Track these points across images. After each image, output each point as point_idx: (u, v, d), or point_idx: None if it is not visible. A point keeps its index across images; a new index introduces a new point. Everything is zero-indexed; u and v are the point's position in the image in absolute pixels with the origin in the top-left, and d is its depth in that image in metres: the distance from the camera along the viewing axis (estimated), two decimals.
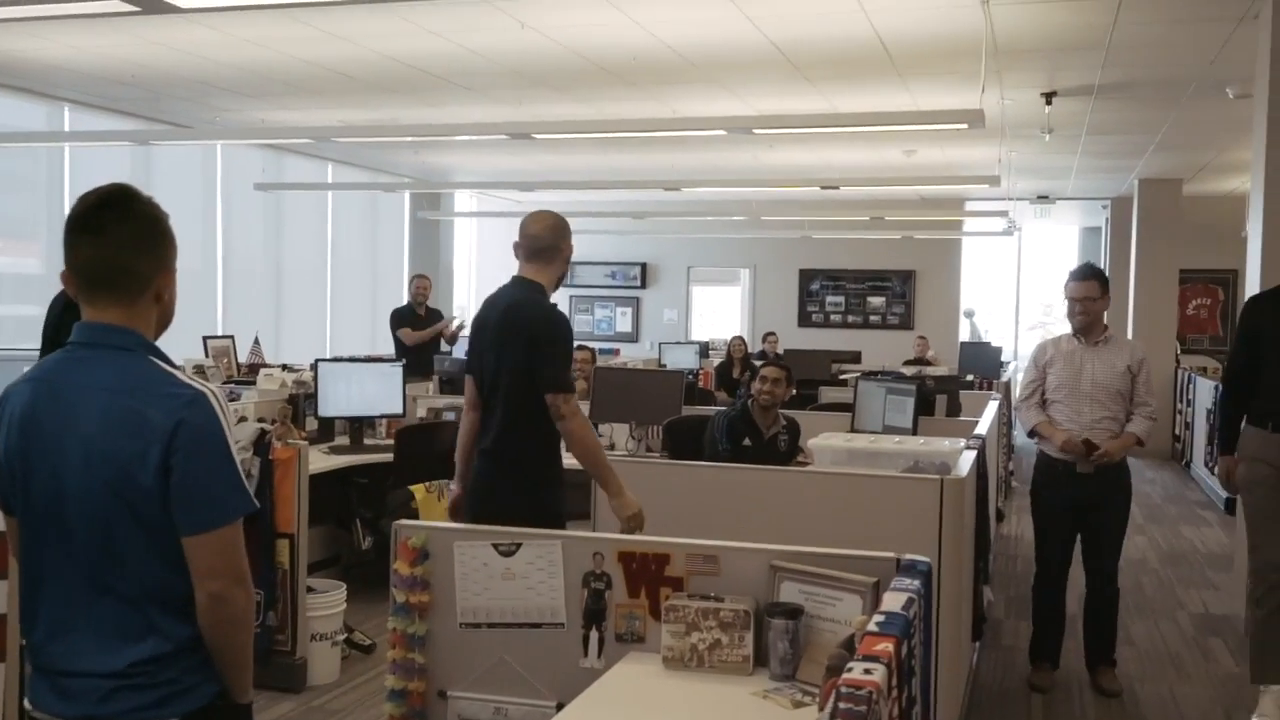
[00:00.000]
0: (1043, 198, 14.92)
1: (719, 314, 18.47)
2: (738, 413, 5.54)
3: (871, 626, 2.15)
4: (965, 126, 6.15)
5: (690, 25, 6.73)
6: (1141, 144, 10.85)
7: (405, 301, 10.00)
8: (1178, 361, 13.62)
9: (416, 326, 9.80)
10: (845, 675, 1.87)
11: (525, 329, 3.76)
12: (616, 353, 15.12)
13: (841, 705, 1.72)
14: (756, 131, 6.32)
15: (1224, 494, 9.82)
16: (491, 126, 7.35)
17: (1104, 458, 4.89)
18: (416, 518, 6.06)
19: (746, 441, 5.50)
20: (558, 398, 3.74)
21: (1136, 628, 6.15)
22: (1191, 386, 12.07)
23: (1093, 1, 6.15)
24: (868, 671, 1.88)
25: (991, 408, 7.42)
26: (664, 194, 14.46)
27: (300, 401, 6.73)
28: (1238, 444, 4.84)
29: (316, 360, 6.89)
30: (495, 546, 2.97)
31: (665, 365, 11.98)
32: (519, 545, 2.96)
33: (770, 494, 4.29)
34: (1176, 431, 12.92)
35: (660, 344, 13.22)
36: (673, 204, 15.15)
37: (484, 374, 3.89)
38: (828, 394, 9.06)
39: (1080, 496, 5.03)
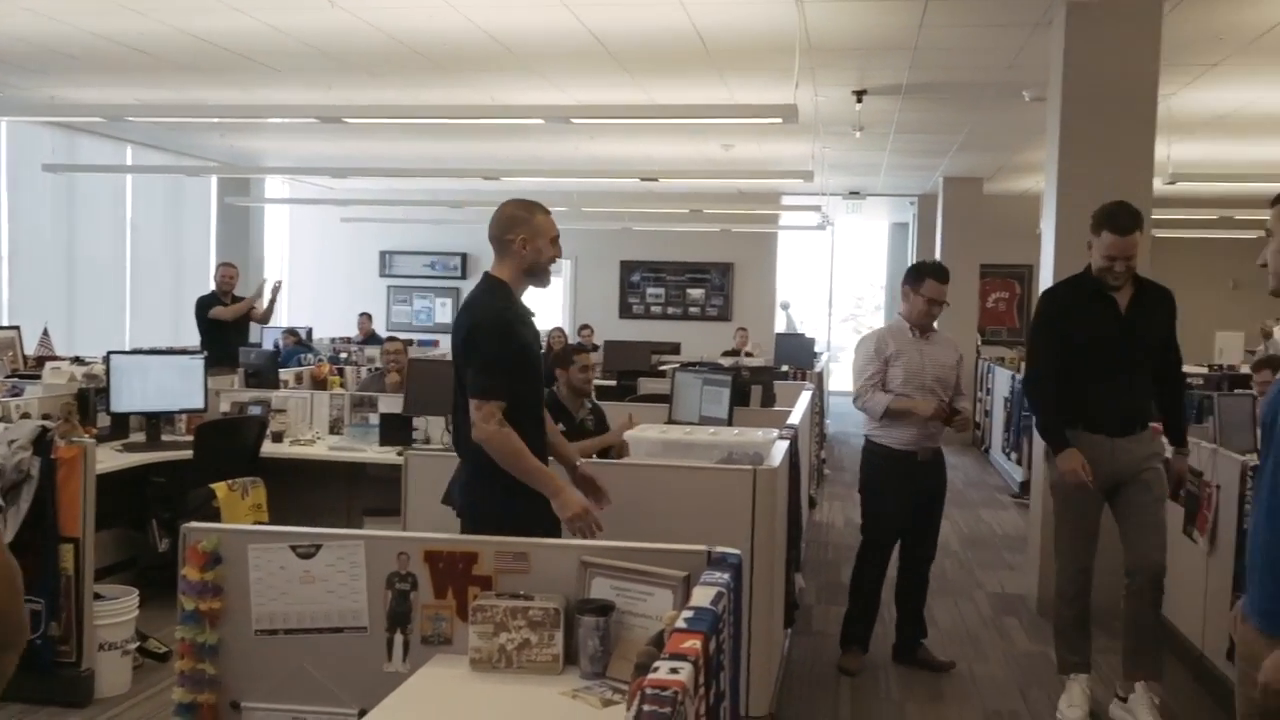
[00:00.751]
0: (854, 194, 15.36)
1: (540, 305, 18.38)
2: (550, 400, 5.47)
3: (680, 623, 2.11)
4: (779, 121, 6.22)
5: (509, 11, 6.61)
6: (946, 143, 11.25)
7: (210, 290, 9.55)
8: (978, 352, 14.21)
9: (221, 317, 9.37)
10: (651, 675, 1.82)
11: (464, 330, 3.60)
12: (436, 344, 14.86)
13: (646, 707, 1.67)
14: (575, 121, 6.26)
15: (1019, 479, 10.30)
16: (300, 109, 7.07)
17: (964, 422, 5.23)
18: (218, 518, 5.79)
19: (561, 427, 5.43)
20: (475, 404, 3.49)
21: (938, 608, 6.35)
22: (991, 376, 12.60)
23: (901, 4, 6.31)
24: (674, 671, 1.83)
25: (804, 397, 7.56)
26: (484, 183, 14.27)
27: (91, 396, 6.34)
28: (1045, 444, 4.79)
29: (109, 353, 6.49)
30: (293, 549, 2.82)
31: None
32: (319, 547, 2.82)
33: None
34: (977, 419, 13.47)
35: None
36: (492, 193, 14.90)
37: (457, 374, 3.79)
38: (647, 385, 9.08)
39: (918, 488, 5.22)
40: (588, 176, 9.97)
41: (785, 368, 11.34)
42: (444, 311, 17.13)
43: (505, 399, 3.47)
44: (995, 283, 16.55)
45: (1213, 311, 15.96)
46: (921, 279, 5.19)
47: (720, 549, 2.71)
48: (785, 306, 18.61)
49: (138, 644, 4.88)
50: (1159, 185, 7.62)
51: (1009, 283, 16.44)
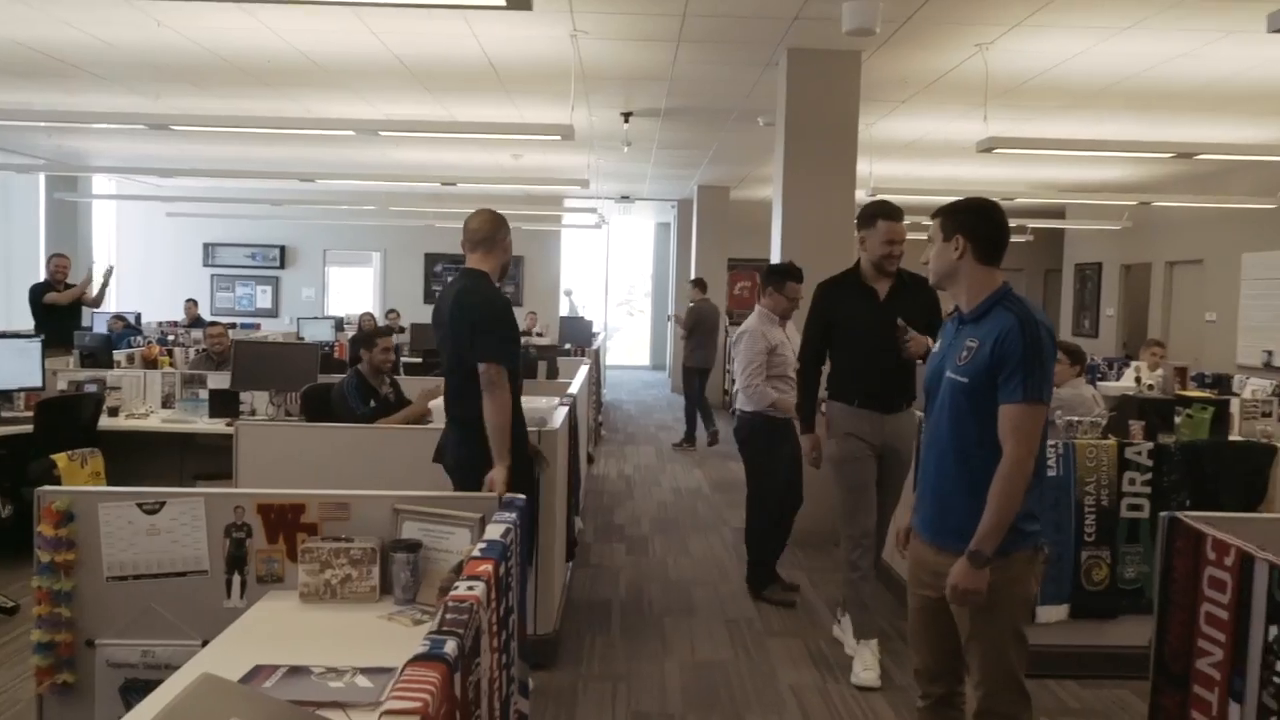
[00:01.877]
0: (625, 198, 15.69)
1: (353, 292, 17.97)
2: (357, 380, 5.49)
3: (475, 552, 2.27)
4: (559, 138, 6.37)
5: (321, 35, 6.51)
6: (698, 157, 11.68)
7: (43, 279, 8.96)
8: (727, 332, 14.81)
9: (57, 302, 8.84)
10: (452, 592, 1.98)
11: (470, 313, 3.70)
12: (257, 327, 14.36)
13: (448, 615, 1.83)
14: (382, 134, 6.23)
15: None
16: (129, 116, 6.73)
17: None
18: (59, 484, 5.54)
19: (372, 402, 5.48)
20: (489, 368, 3.64)
21: (693, 542, 6.71)
22: (738, 348, 13.17)
23: (659, 44, 6.56)
24: (470, 588, 2.00)
25: (583, 371, 7.81)
26: (300, 183, 13.86)
27: None
28: (830, 422, 4.57)
29: None
30: (140, 506, 2.83)
31: (303, 338, 11.54)
32: (163, 504, 2.83)
33: (396, 449, 4.32)
34: (726, 387, 14.08)
35: (299, 319, 12.69)
36: (309, 192, 14.52)
37: (444, 353, 3.87)
38: None
39: (794, 449, 5.24)
40: (395, 180, 9.84)
41: (568, 346, 11.57)
42: (264, 298, 16.54)
43: (510, 365, 3.69)
44: (740, 273, 17.24)
45: None
46: (784, 280, 5.35)
47: (509, 495, 2.89)
48: (568, 293, 18.82)
49: None
50: (862, 196, 8.20)
51: (751, 273, 17.16)
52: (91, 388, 6.46)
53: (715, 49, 6.73)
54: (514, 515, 2.63)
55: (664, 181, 14.26)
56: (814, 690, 4.24)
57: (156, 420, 6.28)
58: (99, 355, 7.31)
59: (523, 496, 2.86)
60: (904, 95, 7.90)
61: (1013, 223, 12.16)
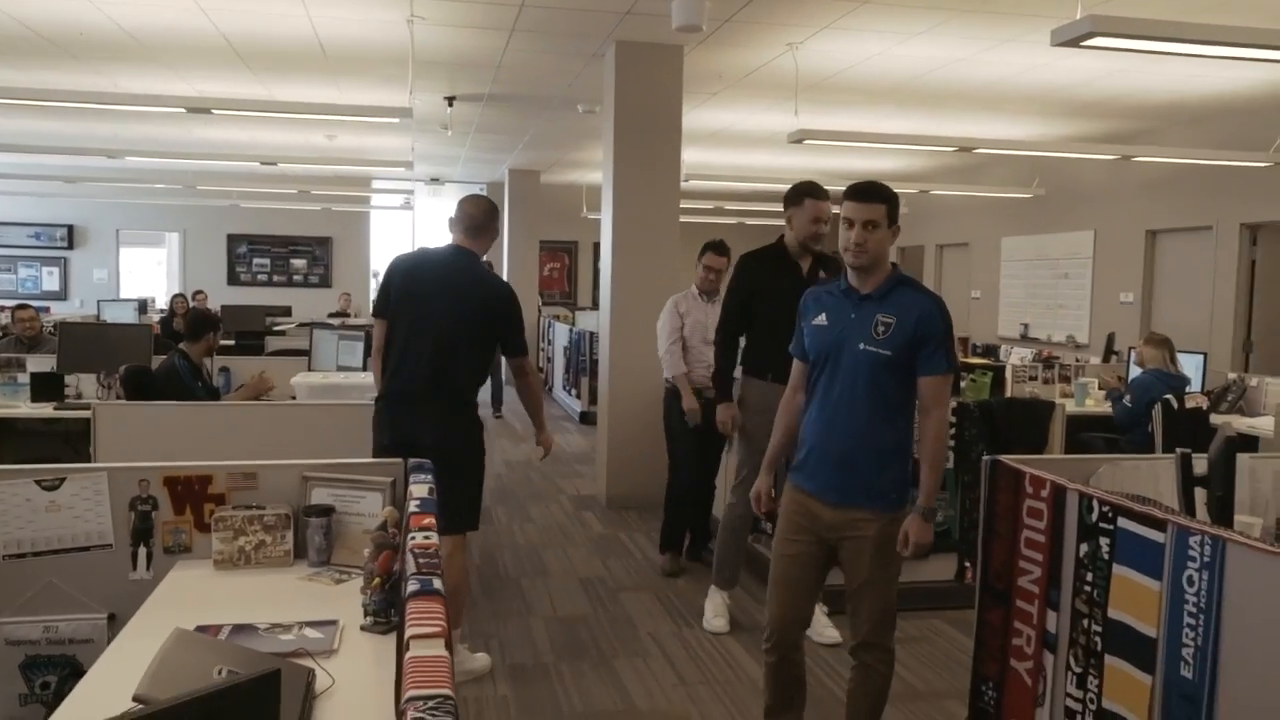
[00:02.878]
0: (435, 180, 15.52)
1: (147, 274, 16.94)
2: (186, 363, 5.32)
3: (413, 508, 2.38)
4: (397, 120, 6.35)
5: (142, 6, 6.20)
6: (514, 142, 11.74)
7: None
8: (539, 311, 14.98)
9: None
10: (412, 542, 2.09)
11: (508, 305, 3.82)
12: (47, 310, 13.37)
13: (420, 560, 1.94)
14: (215, 112, 6.00)
15: (579, 409, 11.14)
16: None
17: None
18: None
19: (199, 383, 5.34)
20: (525, 360, 3.90)
21: (533, 510, 6.88)
22: (551, 330, 13.38)
23: (492, 31, 6.63)
24: (427, 538, 2.12)
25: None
26: (96, 160, 12.95)
27: None
28: (743, 397, 4.42)
29: None
30: (38, 483, 2.74)
31: (105, 321, 10.87)
32: (63, 480, 2.76)
33: (265, 423, 4.27)
34: (541, 364, 14.25)
35: (100, 301, 11.90)
36: (106, 169, 13.58)
37: (435, 328, 3.72)
38: (273, 343, 8.86)
39: (708, 421, 4.97)
40: (207, 159, 9.42)
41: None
42: (50, 280, 15.34)
43: None
44: (550, 255, 17.41)
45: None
46: (704, 251, 5.49)
47: (414, 460, 2.98)
48: (377, 274, 18.46)
49: None
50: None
51: (561, 255, 17.36)
52: None
53: (546, 39, 6.86)
54: (430, 477, 2.74)
55: (476, 164, 14.21)
56: (672, 637, 4.52)
57: None
58: None
59: (428, 461, 2.96)
60: (717, 88, 8.28)
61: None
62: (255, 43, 6.97)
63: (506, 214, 14.78)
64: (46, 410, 5.78)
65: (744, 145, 11.23)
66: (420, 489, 2.58)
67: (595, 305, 14.37)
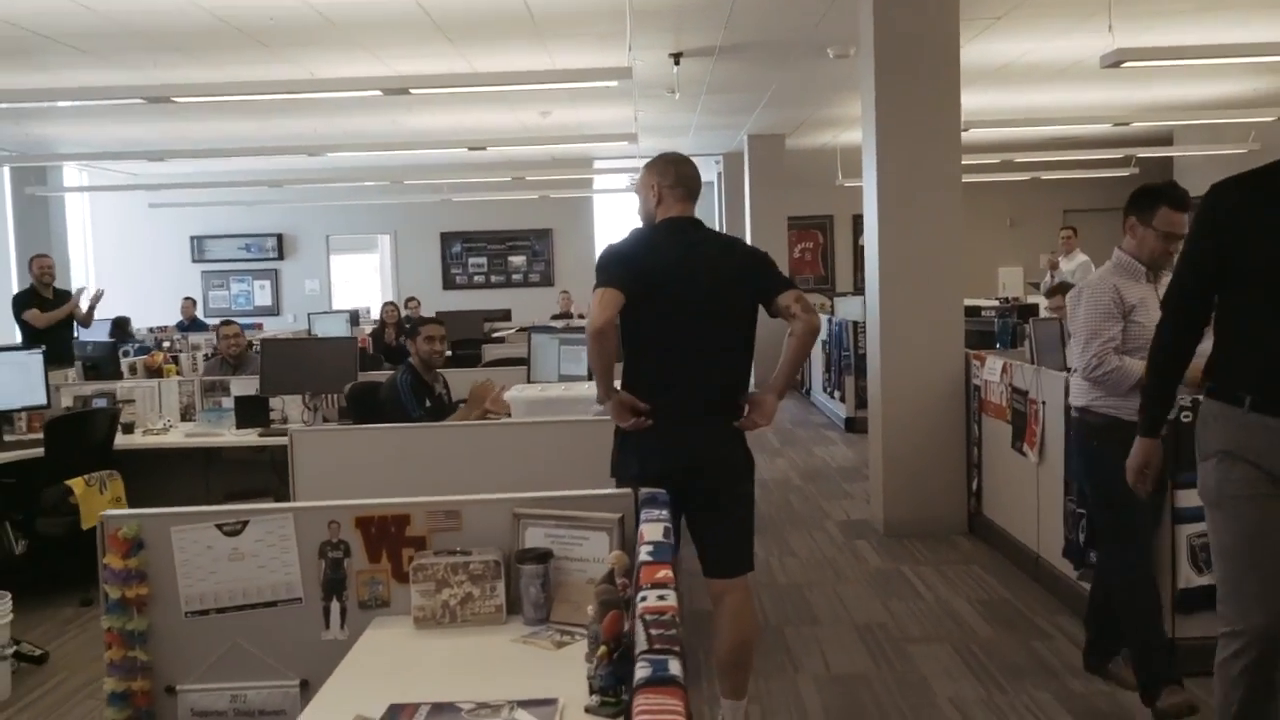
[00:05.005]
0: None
1: (361, 281, 17.95)
2: (411, 377, 5.39)
3: (645, 557, 2.16)
4: (615, 84, 6.24)
5: None
6: (753, 101, 11.49)
7: (28, 285, 8.94)
8: None
9: (46, 309, 8.82)
10: (643, 604, 1.86)
11: (748, 263, 3.61)
12: (259, 327, 14.36)
13: (653, 631, 1.71)
14: (413, 92, 6.12)
15: (843, 415, 10.73)
16: (113, 90, 6.67)
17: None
18: (75, 514, 5.50)
19: (428, 403, 5.39)
20: (798, 292, 3.59)
21: (795, 540, 6.59)
22: None
23: None
24: (661, 598, 1.88)
25: None
26: (300, 162, 13.81)
27: None
28: (1199, 432, 3.08)
29: None
30: (219, 527, 2.73)
31: (316, 335, 11.51)
32: (245, 523, 2.74)
33: (481, 446, 4.22)
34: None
35: (310, 315, 12.66)
36: (311, 171, 14.48)
37: (713, 326, 3.51)
38: (490, 351, 9.04)
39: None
40: (411, 149, 9.76)
41: None
42: (263, 294, 16.53)
43: None
44: (801, 234, 17.04)
45: (994, 249, 16.88)
46: (1155, 206, 3.83)
47: (646, 490, 2.77)
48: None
49: (13, 648, 4.60)
50: None
51: (813, 233, 16.96)
52: (101, 402, 6.42)
53: None
54: (666, 512, 2.52)
55: (708, 133, 14.08)
56: (980, 705, 4.11)
57: (179, 435, 6.22)
58: (103, 366, 7.27)
59: (663, 491, 2.75)
60: (1001, 10, 7.69)
61: (1117, 154, 11.99)
62: (455, 11, 7.08)
63: (747, 188, 14.57)
64: (251, 437, 6.07)
65: (1037, 80, 10.47)
66: (654, 528, 2.36)
67: (857, 290, 13.88)
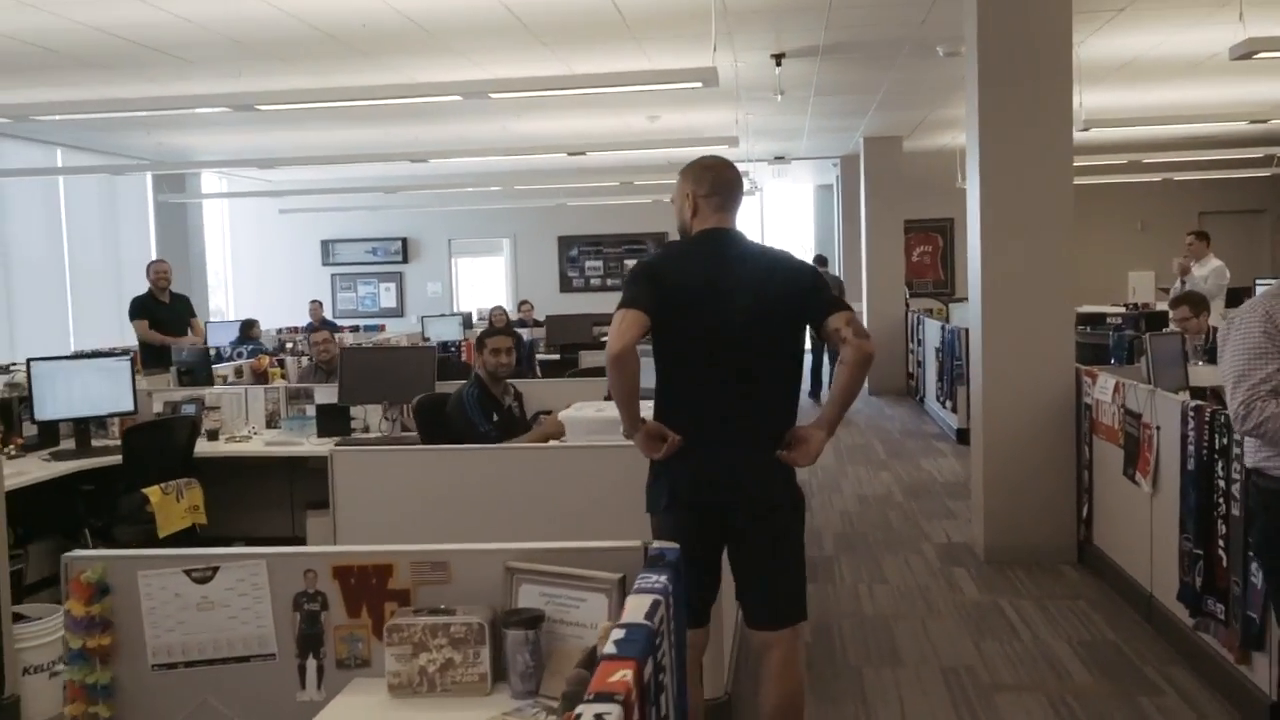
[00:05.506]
0: (779, 158, 15.01)
1: (484, 285, 17.89)
2: (478, 391, 5.06)
3: (609, 647, 1.74)
4: (700, 85, 5.82)
5: None
6: (864, 103, 10.91)
7: (146, 290, 8.96)
8: (907, 305, 13.96)
9: (160, 314, 8.83)
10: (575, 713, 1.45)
11: (796, 281, 3.15)
12: (382, 328, 14.38)
13: None
14: (493, 96, 5.83)
15: (955, 425, 10.08)
16: (210, 99, 6.54)
17: None
18: (152, 523, 5.35)
19: (495, 417, 5.05)
20: (849, 317, 3.12)
21: (888, 564, 6.05)
22: (921, 328, 12.35)
23: None
24: (598, 717, 1.47)
25: None
26: (416, 169, 13.76)
27: (15, 406, 5.84)
28: None
29: (29, 359, 5.99)
30: (188, 573, 2.42)
31: (429, 339, 11.38)
32: (216, 569, 2.41)
33: (535, 473, 3.86)
34: (910, 370, 13.24)
35: (423, 318, 12.56)
36: (429, 177, 14.41)
37: (756, 347, 3.09)
38: (588, 358, 8.71)
39: None
40: (514, 154, 9.52)
41: None
42: (388, 296, 16.60)
43: None
44: (919, 237, 16.32)
45: (1124, 253, 15.90)
46: None
47: (659, 544, 2.35)
48: None
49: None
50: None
51: (932, 236, 16.21)
52: (189, 409, 6.29)
53: None
54: (665, 579, 2.09)
55: (823, 136, 13.50)
56: None
57: (259, 443, 6.04)
58: (198, 372, 7.16)
59: (675, 546, 2.32)
60: (1123, 2, 7.00)
61: (1256, 153, 10.97)
62: (544, 13, 6.75)
63: (864, 191, 13.95)
64: (328, 446, 5.82)
65: (1166, 76, 9.64)
66: (638, 604, 1.94)
67: None
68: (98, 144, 12.08)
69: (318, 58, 7.54)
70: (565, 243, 16.24)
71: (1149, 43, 8.28)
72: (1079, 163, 12.35)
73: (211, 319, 13.88)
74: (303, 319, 14.18)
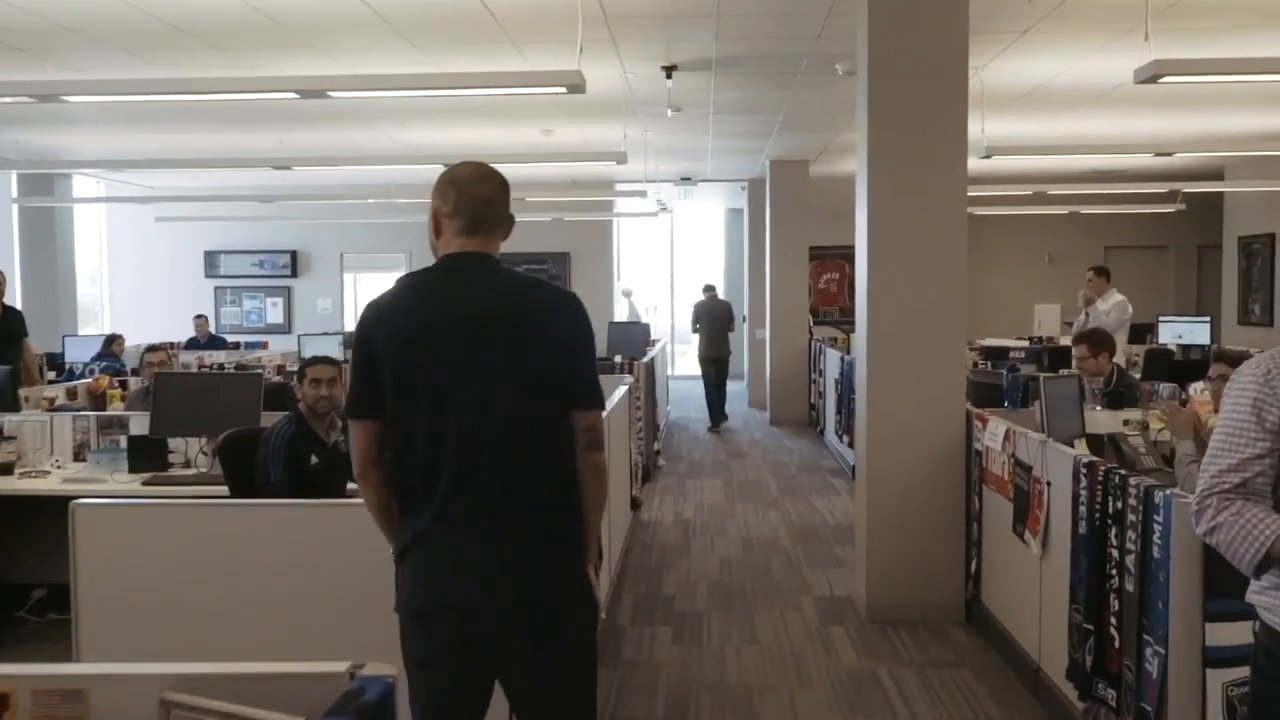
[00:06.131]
0: (685, 179, 14.55)
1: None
2: (294, 428, 4.40)
3: None
4: (564, 90, 5.26)
5: None
6: (767, 124, 10.47)
7: None
8: (811, 333, 13.56)
9: None
10: None
11: (581, 333, 2.50)
12: (264, 345, 13.53)
13: None
14: (333, 94, 5.18)
15: (853, 462, 9.62)
16: (7, 86, 5.79)
17: None
18: None
19: (314, 459, 4.38)
20: (596, 415, 2.51)
21: (763, 622, 5.51)
22: (823, 357, 11.93)
23: None
24: None
25: (619, 394, 6.67)
26: (306, 178, 13.01)
27: None
28: None
29: None
30: None
31: (304, 357, 10.62)
32: None
33: (300, 533, 3.23)
34: (812, 401, 12.81)
35: (300, 336, 11.79)
36: (315, 188, 13.64)
37: (452, 400, 2.39)
38: None
39: None
40: (396, 165, 8.89)
41: (617, 359, 10.44)
42: (275, 311, 15.73)
43: None
44: (826, 264, 15.97)
45: (1029, 285, 15.74)
46: None
47: (368, 672, 1.75)
48: (628, 294, 17.73)
49: None
50: (974, 161, 6.92)
51: (839, 263, 15.86)
52: None
53: None
54: None
55: (729, 158, 13.07)
56: None
57: (56, 479, 5.29)
58: (3, 395, 6.34)
59: (388, 676, 1.72)
60: (1025, 23, 6.62)
61: (1162, 188, 10.69)
62: (409, 11, 6.15)
63: (769, 216, 13.54)
64: (134, 485, 5.12)
65: (1072, 105, 9.34)
66: None
67: None
68: None
69: (170, 50, 6.83)
70: None
71: (1054, 69, 7.94)
72: (983, 192, 12.19)
73: (79, 332, 12.96)
74: (187, 334, 13.30)
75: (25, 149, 11.50)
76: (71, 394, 7.43)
